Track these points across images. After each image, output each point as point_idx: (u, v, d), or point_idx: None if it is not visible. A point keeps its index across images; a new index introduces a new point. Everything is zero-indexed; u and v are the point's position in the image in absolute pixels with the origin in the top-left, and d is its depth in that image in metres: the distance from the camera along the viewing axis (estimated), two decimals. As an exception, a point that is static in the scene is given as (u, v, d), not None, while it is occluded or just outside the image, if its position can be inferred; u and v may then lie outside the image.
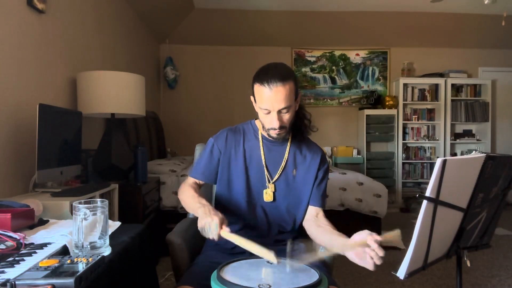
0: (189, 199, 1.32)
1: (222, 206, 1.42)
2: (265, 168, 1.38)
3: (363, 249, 1.02)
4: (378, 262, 1.00)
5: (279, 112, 1.25)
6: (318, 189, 1.41)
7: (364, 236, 1.03)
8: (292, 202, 1.39)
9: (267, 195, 1.37)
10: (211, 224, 1.11)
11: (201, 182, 1.43)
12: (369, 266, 1.02)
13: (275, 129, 1.28)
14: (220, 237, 1.12)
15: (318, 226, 1.34)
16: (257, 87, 1.26)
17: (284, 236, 1.39)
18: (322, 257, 1.07)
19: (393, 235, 1.01)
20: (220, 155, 1.39)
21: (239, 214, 1.38)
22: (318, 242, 1.33)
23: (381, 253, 0.98)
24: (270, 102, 1.24)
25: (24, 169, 1.98)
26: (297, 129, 1.40)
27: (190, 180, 1.42)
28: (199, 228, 1.15)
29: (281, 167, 1.38)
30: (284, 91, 1.22)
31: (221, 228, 1.11)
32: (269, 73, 1.24)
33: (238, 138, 1.41)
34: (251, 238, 1.08)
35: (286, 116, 1.28)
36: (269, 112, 1.26)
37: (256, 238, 1.36)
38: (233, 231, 1.37)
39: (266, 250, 1.04)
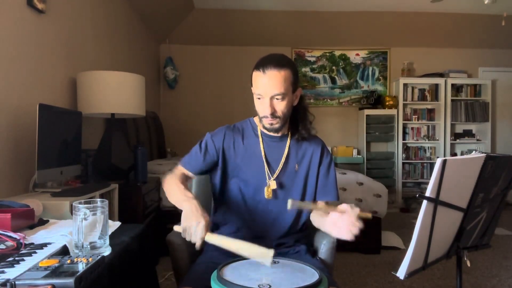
0: (175, 188, 1.29)
1: (221, 204, 1.41)
2: (265, 164, 1.35)
3: (340, 216, 1.08)
4: (355, 230, 1.05)
5: (272, 98, 1.24)
6: (326, 183, 1.39)
7: (343, 206, 1.09)
8: (295, 198, 1.35)
9: (268, 192, 1.34)
10: (197, 227, 1.07)
11: (189, 174, 1.39)
12: (346, 235, 1.06)
13: (267, 117, 1.27)
14: (202, 243, 1.07)
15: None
16: (254, 74, 1.28)
17: (285, 239, 1.36)
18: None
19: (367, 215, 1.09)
20: (216, 152, 1.36)
21: (238, 212, 1.36)
22: (314, 224, 1.38)
23: (358, 223, 1.05)
24: (263, 87, 1.24)
25: (24, 169, 1.98)
26: (296, 127, 1.38)
27: (179, 171, 1.39)
28: (181, 228, 1.10)
29: (281, 163, 1.36)
30: (278, 77, 1.22)
31: (206, 232, 1.07)
32: (266, 60, 1.26)
33: (237, 135, 1.39)
34: (250, 240, 1.04)
35: (280, 105, 1.26)
36: (262, 98, 1.26)
37: (256, 239, 1.35)
38: (231, 231, 1.36)
39: (259, 249, 1.02)
